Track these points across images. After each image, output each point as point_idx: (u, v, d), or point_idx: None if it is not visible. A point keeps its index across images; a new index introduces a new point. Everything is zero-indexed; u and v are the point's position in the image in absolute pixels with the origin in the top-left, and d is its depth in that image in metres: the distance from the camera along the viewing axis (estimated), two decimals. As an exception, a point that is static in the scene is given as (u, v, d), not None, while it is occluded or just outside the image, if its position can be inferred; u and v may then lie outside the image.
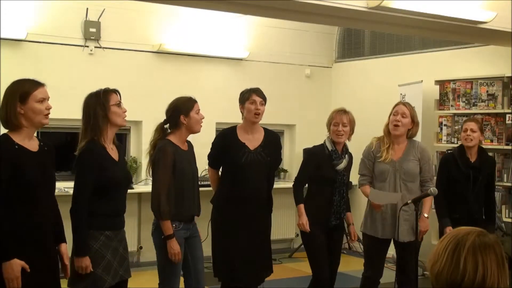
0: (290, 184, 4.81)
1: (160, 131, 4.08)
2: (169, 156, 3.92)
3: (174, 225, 3.93)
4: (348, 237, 4.78)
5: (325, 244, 4.53)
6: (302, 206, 4.50)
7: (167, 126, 4.09)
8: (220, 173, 4.51)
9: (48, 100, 3.14)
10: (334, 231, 4.60)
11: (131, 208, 6.08)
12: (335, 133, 4.52)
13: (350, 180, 4.84)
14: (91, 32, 6.68)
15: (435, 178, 4.83)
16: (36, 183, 3.06)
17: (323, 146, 4.60)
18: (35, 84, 3.12)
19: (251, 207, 4.33)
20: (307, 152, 4.65)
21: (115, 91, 3.53)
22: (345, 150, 4.63)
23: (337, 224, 4.59)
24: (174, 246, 3.88)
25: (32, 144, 3.13)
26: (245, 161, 4.32)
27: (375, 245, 4.60)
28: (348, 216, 4.72)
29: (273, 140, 4.53)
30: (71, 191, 3.43)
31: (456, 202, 4.78)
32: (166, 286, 3.99)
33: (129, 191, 3.71)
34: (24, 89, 3.07)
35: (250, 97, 4.34)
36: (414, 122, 4.61)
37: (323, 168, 4.52)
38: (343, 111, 4.57)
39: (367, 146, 4.70)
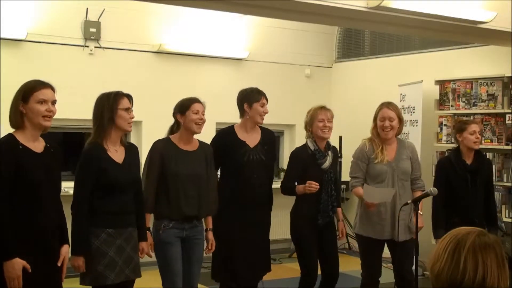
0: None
1: (170, 130, 4.15)
2: (155, 152, 4.00)
3: (163, 223, 3.95)
4: (337, 233, 4.70)
5: (316, 243, 4.50)
6: (298, 186, 4.42)
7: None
8: (218, 176, 4.48)
9: (53, 103, 3.10)
10: (325, 230, 4.54)
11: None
12: (321, 129, 4.47)
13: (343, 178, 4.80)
14: (91, 32, 6.67)
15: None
16: (38, 184, 3.06)
17: (305, 146, 4.55)
18: (39, 85, 3.09)
19: (254, 206, 4.34)
20: (290, 155, 4.62)
21: (128, 96, 3.57)
22: (328, 146, 4.58)
23: (327, 223, 4.54)
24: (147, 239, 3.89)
25: (37, 145, 3.11)
26: (247, 159, 4.33)
27: (371, 245, 4.55)
28: (338, 211, 4.67)
29: (269, 138, 4.56)
30: (71, 191, 3.45)
31: (455, 206, 4.70)
32: (168, 286, 3.99)
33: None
34: (27, 89, 3.07)
35: (260, 99, 4.37)
36: (400, 120, 4.59)
37: (309, 169, 4.47)
38: (325, 107, 4.55)
39: (359, 148, 4.62)
